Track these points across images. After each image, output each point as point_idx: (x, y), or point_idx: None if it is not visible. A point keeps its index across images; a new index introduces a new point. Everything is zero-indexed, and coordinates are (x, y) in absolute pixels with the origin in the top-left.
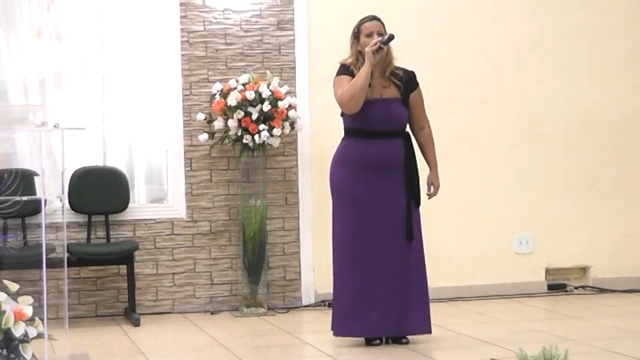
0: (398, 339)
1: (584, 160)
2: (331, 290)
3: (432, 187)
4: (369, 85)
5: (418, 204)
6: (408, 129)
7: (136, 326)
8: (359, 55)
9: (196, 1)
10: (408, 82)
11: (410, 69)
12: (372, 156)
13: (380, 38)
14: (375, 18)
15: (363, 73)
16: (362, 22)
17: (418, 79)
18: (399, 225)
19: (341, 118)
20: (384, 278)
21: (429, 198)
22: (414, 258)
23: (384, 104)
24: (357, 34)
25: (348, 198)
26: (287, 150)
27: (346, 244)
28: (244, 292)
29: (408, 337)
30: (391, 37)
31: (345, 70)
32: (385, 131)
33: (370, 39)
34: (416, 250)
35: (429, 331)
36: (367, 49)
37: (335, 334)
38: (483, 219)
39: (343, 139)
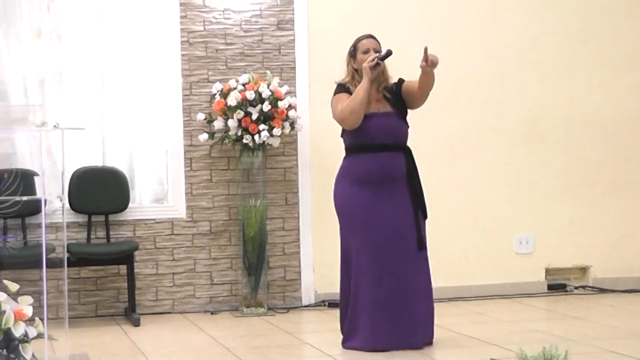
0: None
1: (584, 160)
2: (331, 290)
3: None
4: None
5: (425, 216)
6: (408, 143)
7: (136, 326)
8: (355, 73)
9: (196, 1)
10: (396, 89)
11: (396, 80)
12: (375, 170)
13: (377, 54)
14: (371, 36)
15: (361, 88)
16: (358, 40)
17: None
18: (408, 236)
19: (341, 139)
20: (395, 292)
21: (433, 61)
22: (422, 269)
23: (381, 118)
24: (353, 53)
25: (355, 213)
26: (287, 150)
27: (358, 260)
28: (244, 292)
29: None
30: (389, 53)
31: (342, 88)
32: (384, 144)
33: (367, 55)
34: (424, 261)
35: (431, 341)
36: (365, 65)
37: (371, 350)
38: (483, 219)
39: (345, 157)
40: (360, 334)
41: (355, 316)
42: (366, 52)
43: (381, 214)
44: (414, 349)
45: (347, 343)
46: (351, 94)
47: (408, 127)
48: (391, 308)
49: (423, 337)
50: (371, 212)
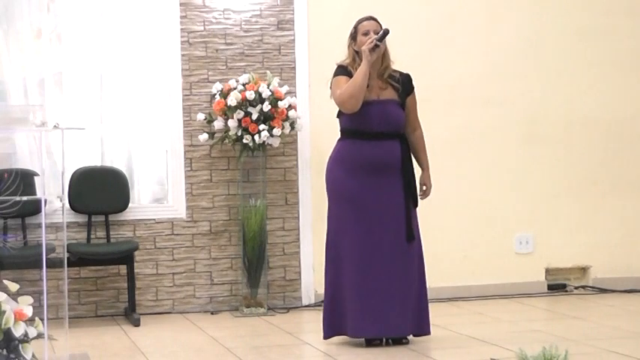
0: (398, 339)
1: (584, 160)
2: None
3: (424, 188)
4: (367, 86)
5: (416, 205)
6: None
7: (136, 326)
8: (356, 55)
9: (196, 1)
10: (405, 84)
11: (405, 72)
12: (370, 157)
13: (375, 36)
14: (371, 18)
15: (361, 71)
16: (359, 22)
17: (414, 81)
18: (398, 226)
19: (337, 119)
20: (384, 279)
21: (421, 199)
22: (412, 258)
23: (381, 106)
24: (354, 34)
25: (346, 198)
26: (287, 150)
27: (346, 245)
28: (244, 292)
29: (408, 337)
30: (386, 32)
31: (343, 70)
32: (382, 133)
33: (366, 38)
34: (415, 250)
35: (428, 332)
36: (364, 47)
37: (352, 336)
38: (483, 219)
39: (340, 139)
40: (346, 322)
41: (340, 304)
42: (366, 34)
43: (372, 202)
44: (399, 339)
45: (329, 333)
46: (351, 76)
47: (404, 114)
48: (376, 297)
49: (411, 327)
50: (362, 199)
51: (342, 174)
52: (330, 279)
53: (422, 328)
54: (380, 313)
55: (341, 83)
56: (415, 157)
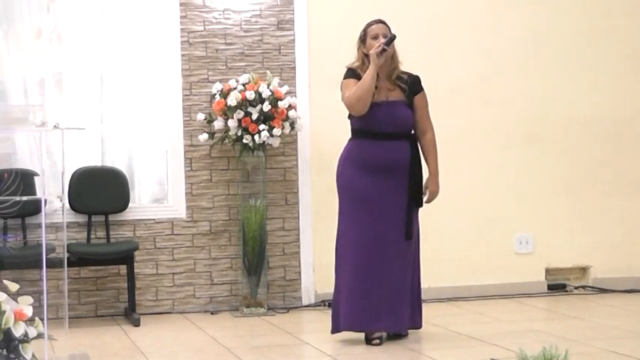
0: (396, 335)
1: (584, 160)
2: (331, 290)
3: (427, 192)
4: (376, 87)
5: (420, 205)
6: (413, 131)
7: (136, 326)
8: (365, 58)
9: (196, 1)
10: (412, 85)
11: (415, 74)
12: (378, 157)
13: (383, 40)
14: (380, 21)
15: (368, 74)
16: (368, 25)
17: (423, 83)
18: (400, 224)
19: (348, 120)
20: (383, 276)
21: (425, 202)
22: (411, 256)
23: (389, 107)
24: (363, 38)
25: (356, 197)
26: (287, 150)
27: (355, 241)
28: (244, 292)
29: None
30: (393, 38)
31: (352, 73)
32: (391, 133)
33: (375, 41)
34: (414, 249)
35: (420, 326)
36: (371, 52)
37: (348, 329)
38: (483, 219)
39: (350, 139)
40: (342, 316)
41: (339, 299)
42: (375, 37)
43: (377, 201)
44: (397, 333)
45: (333, 329)
46: (360, 79)
47: (413, 115)
48: (375, 293)
49: (407, 323)
50: (366, 199)
51: (353, 172)
52: (338, 276)
53: (415, 321)
54: (377, 310)
55: (350, 86)
56: (425, 161)
